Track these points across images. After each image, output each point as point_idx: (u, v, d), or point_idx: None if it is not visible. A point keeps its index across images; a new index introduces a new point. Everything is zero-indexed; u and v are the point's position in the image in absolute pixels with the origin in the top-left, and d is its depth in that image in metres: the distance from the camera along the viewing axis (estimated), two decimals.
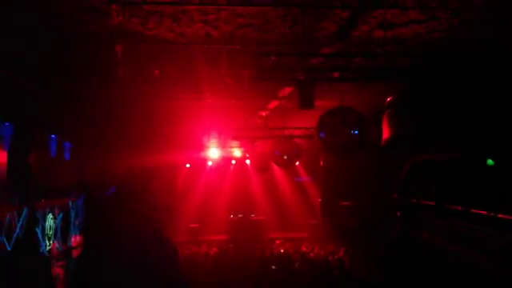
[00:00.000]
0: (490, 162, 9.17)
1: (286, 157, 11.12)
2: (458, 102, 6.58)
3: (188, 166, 15.64)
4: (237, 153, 15.76)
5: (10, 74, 6.59)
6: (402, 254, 10.50)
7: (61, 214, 8.64)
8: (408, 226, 10.42)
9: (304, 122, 10.74)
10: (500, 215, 7.04)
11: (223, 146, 14.78)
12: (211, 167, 16.35)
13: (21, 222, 6.88)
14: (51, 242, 8.15)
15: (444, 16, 5.27)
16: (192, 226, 15.56)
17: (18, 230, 6.70)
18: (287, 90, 8.42)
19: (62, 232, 8.64)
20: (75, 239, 8.93)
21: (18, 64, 6.62)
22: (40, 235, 7.70)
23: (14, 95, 7.49)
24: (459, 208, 8.62)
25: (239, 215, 16.30)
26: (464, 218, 8.19)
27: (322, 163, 15.20)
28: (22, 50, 6.31)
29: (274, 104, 9.87)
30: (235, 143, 14.30)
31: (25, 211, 7.03)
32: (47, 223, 8.06)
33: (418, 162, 11.30)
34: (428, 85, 6.32)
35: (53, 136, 9.13)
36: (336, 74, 5.88)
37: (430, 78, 6.12)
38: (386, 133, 8.61)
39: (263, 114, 10.94)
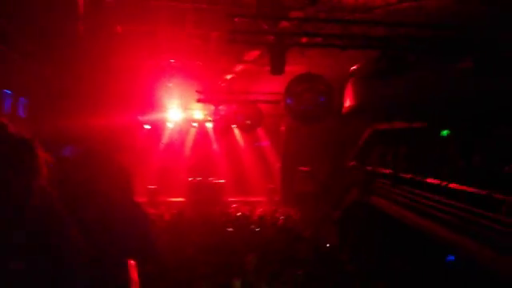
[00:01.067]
0: (444, 132, 9.53)
1: (248, 122, 11.10)
2: (422, 74, 6.72)
3: (148, 127, 15.31)
4: (198, 115, 15.55)
5: None
6: (356, 219, 10.85)
7: None
8: (363, 192, 10.71)
9: (269, 87, 10.68)
10: (451, 185, 7.34)
11: (185, 107, 14.52)
12: (172, 129, 16.07)
13: None
14: None
15: None
16: (150, 187, 15.39)
17: None
18: (253, 54, 8.29)
19: None
20: None
21: None
22: None
23: None
24: (413, 177, 8.94)
25: (198, 178, 16.25)
26: (417, 187, 8.49)
27: (283, 129, 15.30)
28: None
29: (239, 68, 9.72)
30: (197, 105, 14.09)
31: None
32: None
33: (377, 130, 11.57)
34: (395, 56, 6.35)
35: (7, 91, 8.67)
36: (306, 40, 5.81)
37: (398, 48, 6.16)
38: (348, 100, 8.72)
39: (228, 77, 10.78)
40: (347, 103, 8.51)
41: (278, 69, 5.71)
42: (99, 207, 3.09)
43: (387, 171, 10.23)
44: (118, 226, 3.09)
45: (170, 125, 15.85)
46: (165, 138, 16.23)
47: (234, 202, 15.26)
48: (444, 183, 7.70)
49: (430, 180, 8.25)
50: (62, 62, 9.25)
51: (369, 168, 11.21)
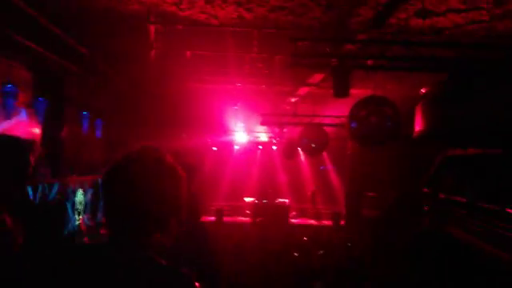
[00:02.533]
0: None
1: (313, 145, 10.98)
2: (497, 97, 6.31)
3: (215, 149, 15.72)
4: (264, 138, 15.71)
5: (49, 54, 6.68)
6: (428, 250, 10.26)
7: (91, 190, 8.82)
8: (436, 221, 10.17)
9: (334, 110, 10.58)
10: None
11: (250, 130, 14.75)
12: (237, 151, 16.37)
13: (52, 196, 7.03)
14: (80, 217, 8.35)
15: (486, 6, 5.02)
16: (216, 207, 15.68)
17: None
18: (317, 77, 8.27)
19: (91, 208, 8.83)
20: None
21: (58, 45, 6.70)
22: (70, 210, 7.89)
23: (50, 74, 7.65)
24: (493, 207, 8.32)
25: (264, 200, 16.26)
26: (498, 217, 7.90)
27: (349, 152, 14.99)
28: (60, 32, 6.35)
29: (303, 91, 9.73)
30: (262, 128, 14.25)
31: (56, 185, 7.19)
32: (77, 198, 8.26)
33: (450, 156, 10.96)
34: (466, 78, 6.08)
35: (85, 113, 9.28)
36: (371, 62, 5.70)
37: (469, 71, 5.87)
38: (418, 125, 8.37)
39: (293, 100, 10.82)
40: (417, 127, 8.21)
41: (341, 92, 5.63)
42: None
43: (463, 199, 9.64)
44: (182, 244, 3.15)
45: (236, 147, 16.15)
46: (231, 160, 16.53)
47: (299, 225, 15.07)
48: None
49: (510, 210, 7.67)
50: (134, 85, 9.79)
51: (442, 196, 10.64)
